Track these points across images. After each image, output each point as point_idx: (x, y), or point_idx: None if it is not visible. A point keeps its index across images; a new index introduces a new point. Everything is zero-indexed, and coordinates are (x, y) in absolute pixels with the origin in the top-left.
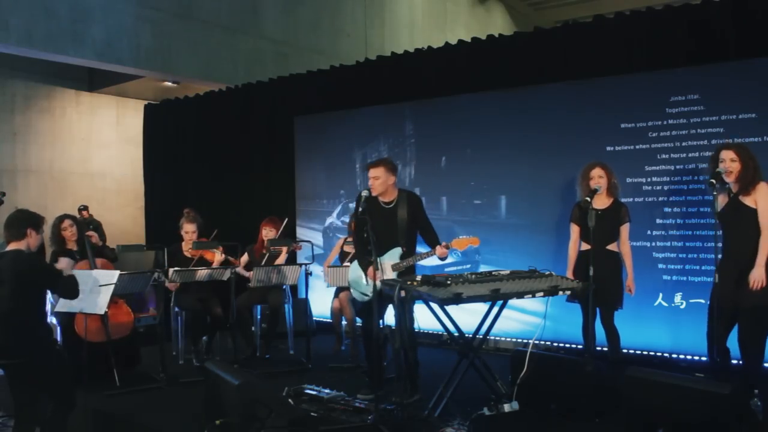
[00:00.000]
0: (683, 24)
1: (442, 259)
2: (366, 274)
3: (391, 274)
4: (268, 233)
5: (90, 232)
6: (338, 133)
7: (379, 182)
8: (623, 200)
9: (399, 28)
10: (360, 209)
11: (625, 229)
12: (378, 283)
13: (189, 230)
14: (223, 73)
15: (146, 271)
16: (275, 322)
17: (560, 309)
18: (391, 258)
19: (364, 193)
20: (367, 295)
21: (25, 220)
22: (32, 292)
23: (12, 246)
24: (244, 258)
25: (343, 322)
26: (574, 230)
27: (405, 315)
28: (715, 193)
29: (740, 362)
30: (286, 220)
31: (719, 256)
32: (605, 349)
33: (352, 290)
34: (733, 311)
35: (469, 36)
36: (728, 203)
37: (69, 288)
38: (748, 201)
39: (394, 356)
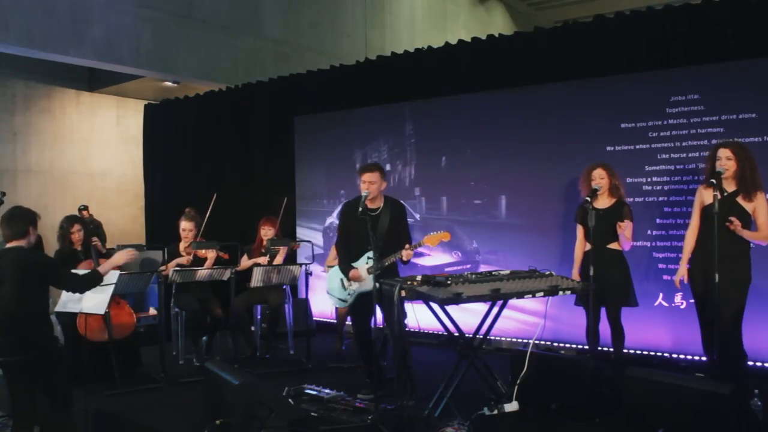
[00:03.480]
0: (683, 24)
1: (406, 261)
2: (348, 278)
3: (367, 277)
4: (267, 232)
5: (94, 239)
6: (338, 133)
7: (375, 187)
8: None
9: (399, 28)
10: (360, 209)
11: (627, 227)
12: (370, 284)
13: (186, 228)
14: (223, 73)
15: (146, 271)
16: (275, 322)
17: (560, 309)
18: (365, 262)
19: (364, 193)
20: (344, 300)
21: (25, 218)
22: (35, 289)
23: (13, 244)
24: (245, 259)
25: (347, 323)
26: (579, 230)
27: (395, 316)
28: (715, 193)
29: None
30: (285, 200)
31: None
32: (606, 349)
33: (329, 297)
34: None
35: (469, 36)
36: (722, 201)
37: (72, 282)
38: (746, 206)
39: (393, 357)
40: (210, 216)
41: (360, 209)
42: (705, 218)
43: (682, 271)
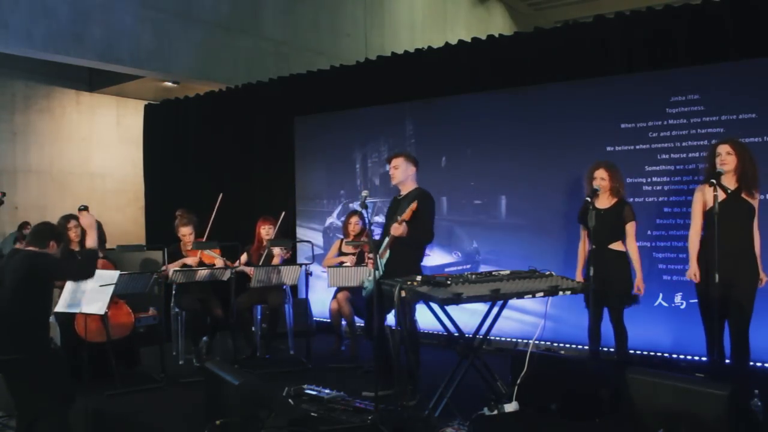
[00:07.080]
0: (683, 24)
1: (398, 235)
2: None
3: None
4: (267, 232)
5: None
6: (338, 133)
7: (399, 171)
8: None
9: (399, 28)
10: (358, 205)
11: (630, 228)
12: (374, 278)
13: (186, 233)
14: (223, 73)
15: (146, 272)
16: (275, 322)
17: (560, 309)
18: (384, 248)
19: (364, 193)
20: (365, 288)
21: (50, 233)
22: (36, 290)
23: (30, 248)
24: (244, 258)
25: (343, 322)
26: (583, 231)
27: (405, 316)
28: (715, 194)
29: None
30: (283, 214)
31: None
32: (606, 349)
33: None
34: (723, 309)
35: (469, 36)
36: (727, 198)
37: (78, 267)
38: (752, 201)
39: (392, 356)
40: (210, 216)
41: (359, 208)
42: (708, 218)
43: (694, 269)
